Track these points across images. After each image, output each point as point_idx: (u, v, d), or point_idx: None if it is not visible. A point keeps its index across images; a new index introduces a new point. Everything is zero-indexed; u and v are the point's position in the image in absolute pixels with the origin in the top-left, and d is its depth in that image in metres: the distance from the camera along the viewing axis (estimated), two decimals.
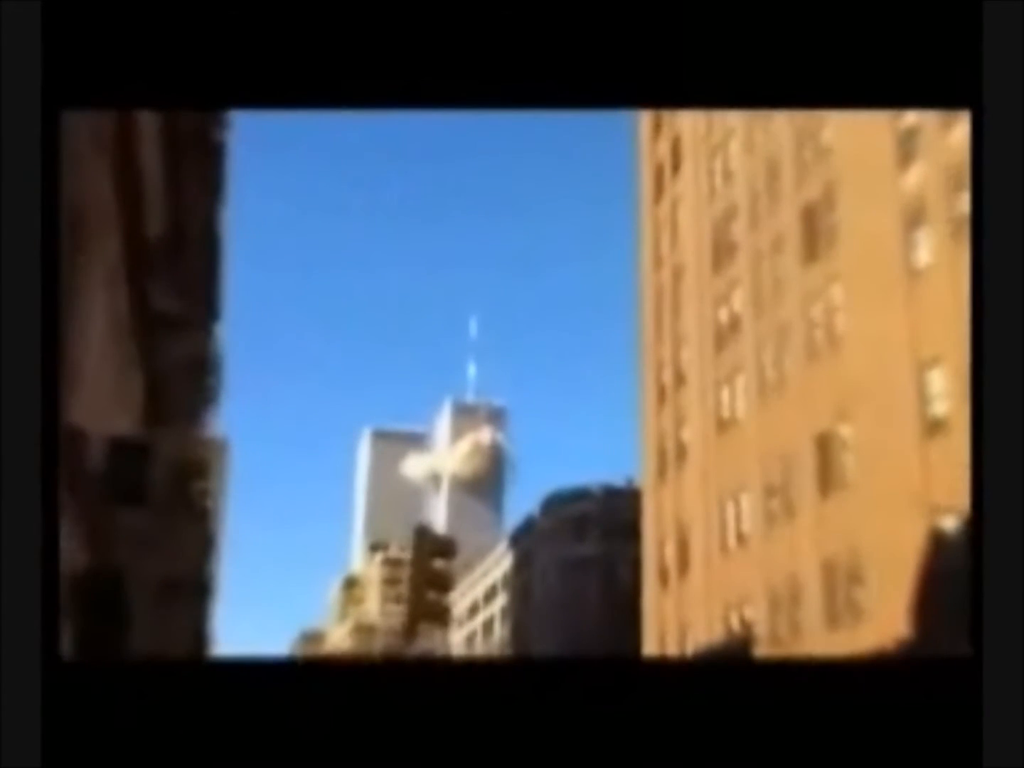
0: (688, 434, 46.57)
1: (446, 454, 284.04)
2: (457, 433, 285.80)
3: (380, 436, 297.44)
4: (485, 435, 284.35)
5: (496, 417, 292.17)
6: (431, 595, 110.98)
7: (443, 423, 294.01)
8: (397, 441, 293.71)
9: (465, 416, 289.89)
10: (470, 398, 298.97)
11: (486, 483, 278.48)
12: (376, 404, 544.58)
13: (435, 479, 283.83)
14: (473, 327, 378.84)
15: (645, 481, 51.24)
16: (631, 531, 55.76)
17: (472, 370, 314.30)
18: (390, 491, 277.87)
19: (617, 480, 71.87)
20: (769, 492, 39.33)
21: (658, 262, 51.94)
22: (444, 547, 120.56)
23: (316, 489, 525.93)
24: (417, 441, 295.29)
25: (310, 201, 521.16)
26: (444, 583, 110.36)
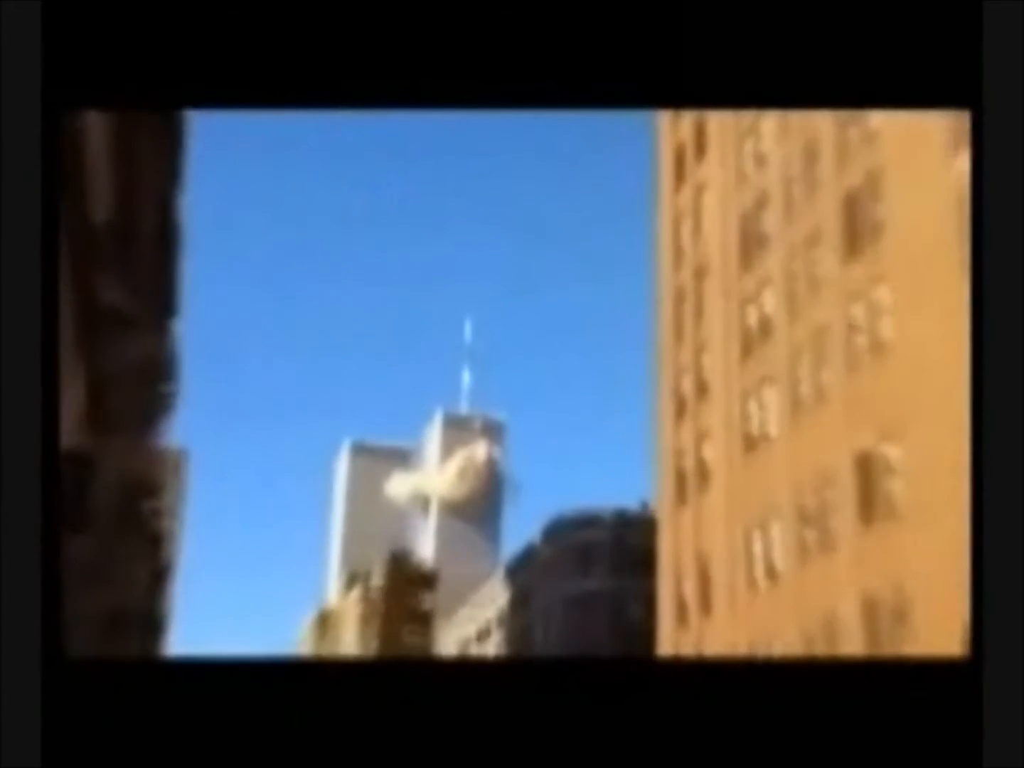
0: (711, 453, 46.79)
1: (435, 473, 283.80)
2: (448, 449, 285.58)
3: (360, 451, 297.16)
4: (480, 451, 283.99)
5: (493, 431, 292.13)
6: (407, 631, 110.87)
7: (432, 437, 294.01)
8: (380, 457, 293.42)
9: (457, 430, 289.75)
10: (463, 409, 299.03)
11: (480, 506, 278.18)
12: (356, 414, 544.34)
13: (422, 501, 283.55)
14: (467, 331, 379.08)
15: (661, 506, 51.46)
16: (645, 563, 55.78)
17: (466, 378, 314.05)
18: (371, 514, 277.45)
19: (630, 505, 72.03)
20: (803, 520, 39.52)
21: (679, 258, 52.10)
22: (423, 578, 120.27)
23: (287, 511, 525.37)
24: (402, 457, 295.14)
25: (294, 200, 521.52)
26: (424, 618, 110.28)
